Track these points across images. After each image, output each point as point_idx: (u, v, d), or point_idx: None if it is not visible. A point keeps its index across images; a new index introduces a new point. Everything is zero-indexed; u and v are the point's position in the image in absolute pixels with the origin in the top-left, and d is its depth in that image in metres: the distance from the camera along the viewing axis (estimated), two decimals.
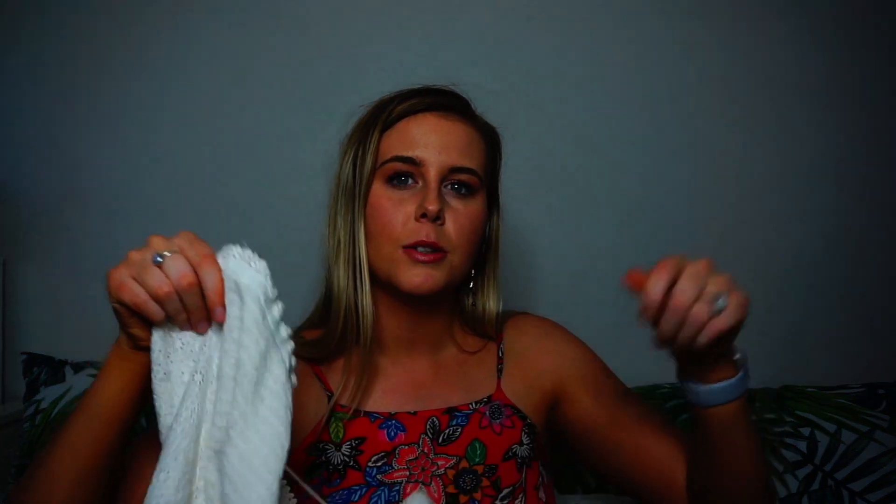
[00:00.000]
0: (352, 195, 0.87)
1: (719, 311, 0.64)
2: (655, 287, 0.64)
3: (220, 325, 0.63)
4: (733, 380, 0.70)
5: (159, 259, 0.63)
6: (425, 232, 0.82)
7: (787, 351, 1.40)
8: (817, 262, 1.40)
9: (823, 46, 1.39)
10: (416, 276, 0.83)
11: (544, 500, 0.89)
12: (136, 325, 0.66)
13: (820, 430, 1.20)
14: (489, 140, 0.93)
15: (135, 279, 0.63)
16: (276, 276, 1.52)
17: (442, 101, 0.88)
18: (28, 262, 1.49)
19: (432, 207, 0.81)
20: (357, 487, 0.82)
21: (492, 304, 0.95)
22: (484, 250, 0.95)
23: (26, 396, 1.30)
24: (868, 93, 1.39)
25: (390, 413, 0.87)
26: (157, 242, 0.65)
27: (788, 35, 1.39)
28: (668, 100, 1.41)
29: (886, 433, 1.18)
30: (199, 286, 0.63)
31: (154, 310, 0.63)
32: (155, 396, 0.64)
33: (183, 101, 1.46)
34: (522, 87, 1.42)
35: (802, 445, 1.19)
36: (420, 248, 0.83)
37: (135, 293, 0.63)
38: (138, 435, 0.78)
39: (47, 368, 1.31)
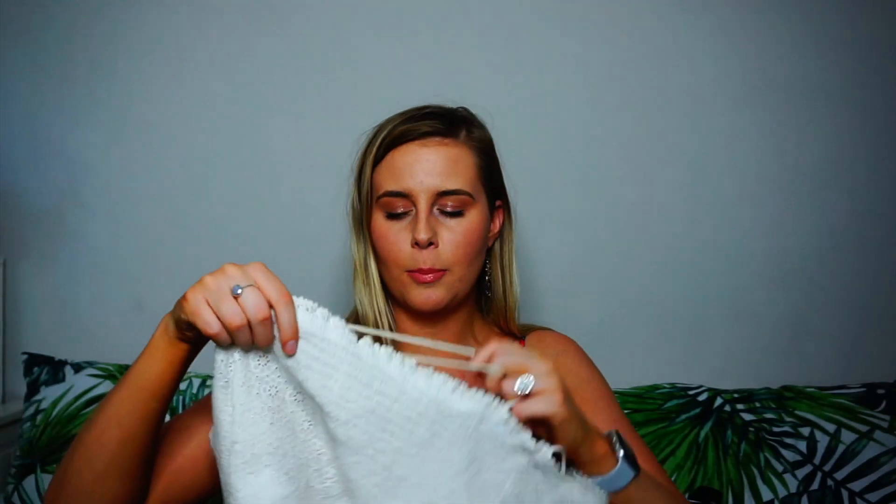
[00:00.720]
0: (360, 224, 0.96)
1: (521, 393, 0.67)
2: (476, 360, 0.69)
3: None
4: (618, 467, 0.72)
5: (238, 291, 0.66)
6: (422, 259, 0.90)
7: (787, 351, 1.40)
8: (817, 262, 1.40)
9: (824, 47, 1.39)
10: (421, 296, 0.91)
11: None
12: (193, 332, 0.70)
13: (820, 430, 1.20)
14: (479, 147, 0.95)
15: (210, 306, 0.67)
16: (277, 272, 1.52)
17: (423, 129, 0.92)
18: (28, 262, 1.50)
19: (422, 237, 0.88)
20: None
21: (511, 297, 1.00)
22: (496, 247, 1.00)
23: (26, 396, 1.31)
24: (868, 93, 1.39)
25: None
26: (233, 272, 0.68)
27: (789, 36, 1.39)
28: (668, 100, 1.41)
29: (886, 433, 1.18)
30: (272, 321, 0.66)
31: (224, 338, 0.67)
32: (214, 400, 0.70)
33: (183, 102, 1.46)
34: (522, 87, 1.42)
35: (802, 445, 1.19)
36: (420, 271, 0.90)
37: (208, 322, 0.66)
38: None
39: (47, 368, 1.31)
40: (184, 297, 0.69)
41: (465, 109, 0.99)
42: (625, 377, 1.32)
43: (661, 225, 1.41)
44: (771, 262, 1.40)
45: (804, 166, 1.40)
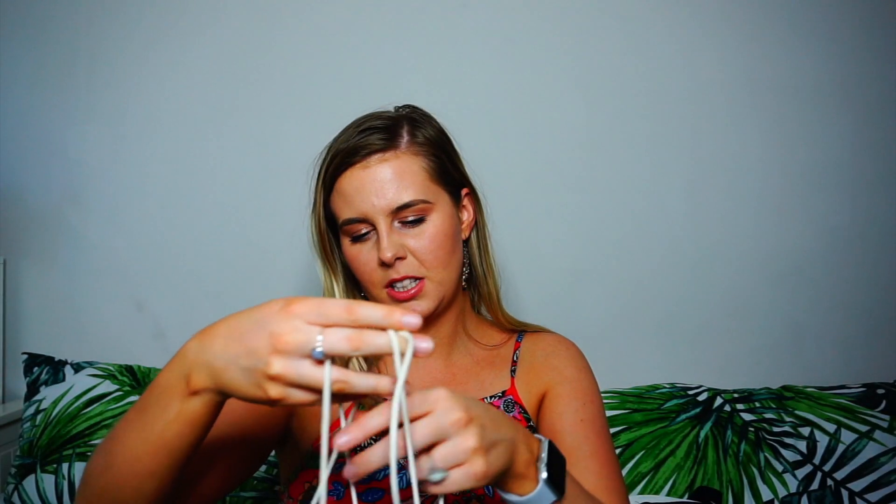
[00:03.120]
0: (328, 253, 0.96)
1: (436, 482, 0.59)
2: (367, 425, 0.58)
3: None
4: (535, 492, 0.65)
5: (319, 353, 0.56)
6: (394, 271, 0.89)
7: (787, 351, 1.40)
8: (817, 262, 1.40)
9: (824, 48, 1.39)
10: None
11: None
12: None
13: (820, 430, 1.20)
14: (426, 149, 0.93)
15: (295, 385, 0.57)
16: (276, 274, 1.52)
17: (362, 151, 0.90)
18: (28, 262, 1.50)
19: (387, 255, 0.88)
20: (382, 468, 0.85)
21: (492, 283, 1.00)
22: (472, 237, 0.99)
23: (26, 396, 1.31)
24: (868, 94, 1.39)
25: None
26: (294, 337, 0.57)
27: (789, 37, 1.39)
28: (668, 101, 1.41)
29: (886, 433, 1.19)
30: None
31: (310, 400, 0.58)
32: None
33: (183, 102, 1.46)
34: (522, 87, 1.42)
35: (802, 445, 1.19)
36: (398, 286, 0.90)
37: (303, 399, 0.58)
38: None
39: (47, 368, 1.31)
40: (265, 394, 0.57)
41: (410, 108, 0.98)
42: (625, 377, 1.32)
43: (661, 225, 1.41)
44: (771, 262, 1.40)
45: (804, 166, 1.40)
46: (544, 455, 0.67)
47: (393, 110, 0.97)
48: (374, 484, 0.86)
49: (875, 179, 1.39)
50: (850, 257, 1.40)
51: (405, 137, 0.92)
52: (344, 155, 0.90)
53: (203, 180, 1.46)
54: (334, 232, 0.96)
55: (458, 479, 0.59)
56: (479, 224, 0.99)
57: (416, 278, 0.90)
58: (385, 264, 0.89)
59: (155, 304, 1.47)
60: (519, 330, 1.02)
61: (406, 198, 0.89)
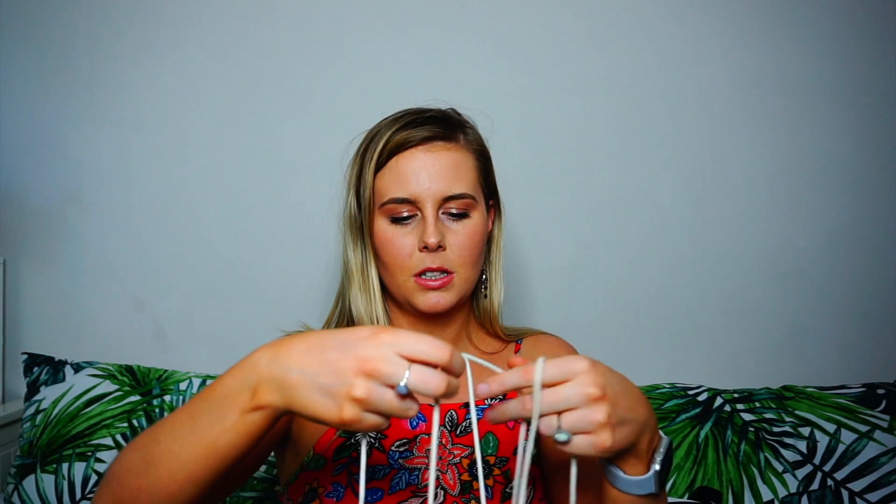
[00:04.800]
0: (359, 230, 0.94)
1: (560, 443, 0.62)
2: (506, 381, 0.63)
3: None
4: (643, 477, 0.69)
5: (404, 389, 0.58)
6: (430, 260, 0.90)
7: (787, 351, 1.40)
8: (818, 262, 1.40)
9: (825, 48, 1.39)
10: (429, 301, 0.91)
11: (545, 491, 0.94)
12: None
13: (820, 430, 1.20)
14: (477, 150, 0.96)
15: (374, 414, 0.59)
16: (276, 274, 1.52)
17: (426, 134, 0.91)
18: (29, 262, 1.50)
19: (432, 241, 0.88)
20: (381, 468, 0.88)
21: (496, 296, 1.01)
22: (487, 249, 1.00)
23: (27, 396, 1.31)
24: (869, 94, 1.39)
25: None
26: (384, 370, 0.58)
27: (790, 37, 1.39)
28: (668, 101, 1.41)
29: (886, 433, 1.18)
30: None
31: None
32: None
33: (184, 102, 1.46)
34: (522, 86, 1.42)
35: (802, 445, 1.19)
36: (428, 275, 0.90)
37: (379, 424, 0.60)
38: None
39: (47, 368, 1.31)
40: (339, 414, 0.58)
41: (455, 111, 0.99)
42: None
43: (661, 225, 1.41)
44: (771, 262, 1.40)
45: (804, 166, 1.40)
46: (662, 449, 0.71)
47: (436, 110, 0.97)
48: (375, 483, 0.86)
49: (876, 179, 1.39)
50: (851, 257, 1.40)
51: (462, 134, 0.94)
52: (407, 136, 0.91)
53: (204, 180, 1.46)
54: (359, 205, 0.94)
55: (582, 446, 0.63)
56: (495, 235, 1.00)
57: (446, 271, 0.90)
58: (426, 248, 0.89)
59: (155, 304, 1.47)
60: (516, 337, 1.03)
61: (459, 189, 0.91)
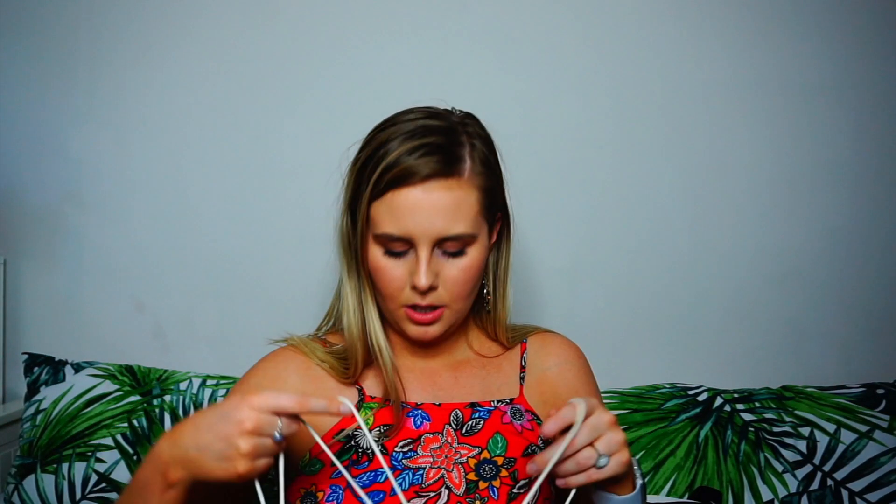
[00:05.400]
0: (354, 254, 0.93)
1: (601, 468, 0.74)
2: (551, 427, 0.74)
3: None
4: (631, 495, 0.79)
5: (279, 438, 0.71)
6: (420, 298, 0.89)
7: (787, 351, 1.40)
8: (818, 262, 1.40)
9: (825, 48, 1.39)
10: (418, 332, 0.92)
11: (554, 493, 0.93)
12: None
13: (819, 430, 1.20)
14: (481, 176, 0.90)
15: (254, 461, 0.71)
16: (276, 274, 1.51)
17: (424, 171, 0.85)
18: (29, 262, 1.50)
19: (423, 283, 0.86)
20: (383, 470, 0.87)
21: (502, 308, 1.00)
22: (491, 257, 0.98)
23: (27, 396, 1.31)
24: (870, 94, 1.39)
25: (417, 403, 0.93)
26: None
27: (791, 37, 1.39)
28: (667, 101, 1.41)
29: (886, 433, 1.19)
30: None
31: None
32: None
33: (184, 102, 1.46)
34: (523, 87, 1.42)
35: (802, 445, 1.19)
36: (418, 309, 0.90)
37: (257, 468, 0.71)
38: None
39: (47, 368, 1.31)
40: (234, 471, 0.70)
41: (465, 115, 0.94)
42: (625, 377, 1.32)
43: (660, 225, 1.41)
44: (771, 262, 1.40)
45: (804, 166, 1.40)
46: (636, 464, 0.81)
47: (442, 111, 0.93)
48: (375, 486, 0.86)
49: (876, 179, 1.39)
50: (851, 257, 1.40)
51: (467, 163, 0.88)
52: (404, 171, 0.85)
53: (204, 180, 1.46)
54: (353, 227, 0.92)
55: (613, 465, 0.74)
56: (503, 247, 0.98)
57: (436, 306, 0.89)
58: (416, 288, 0.87)
59: (155, 304, 1.47)
60: (521, 337, 1.02)
61: (456, 230, 0.86)
